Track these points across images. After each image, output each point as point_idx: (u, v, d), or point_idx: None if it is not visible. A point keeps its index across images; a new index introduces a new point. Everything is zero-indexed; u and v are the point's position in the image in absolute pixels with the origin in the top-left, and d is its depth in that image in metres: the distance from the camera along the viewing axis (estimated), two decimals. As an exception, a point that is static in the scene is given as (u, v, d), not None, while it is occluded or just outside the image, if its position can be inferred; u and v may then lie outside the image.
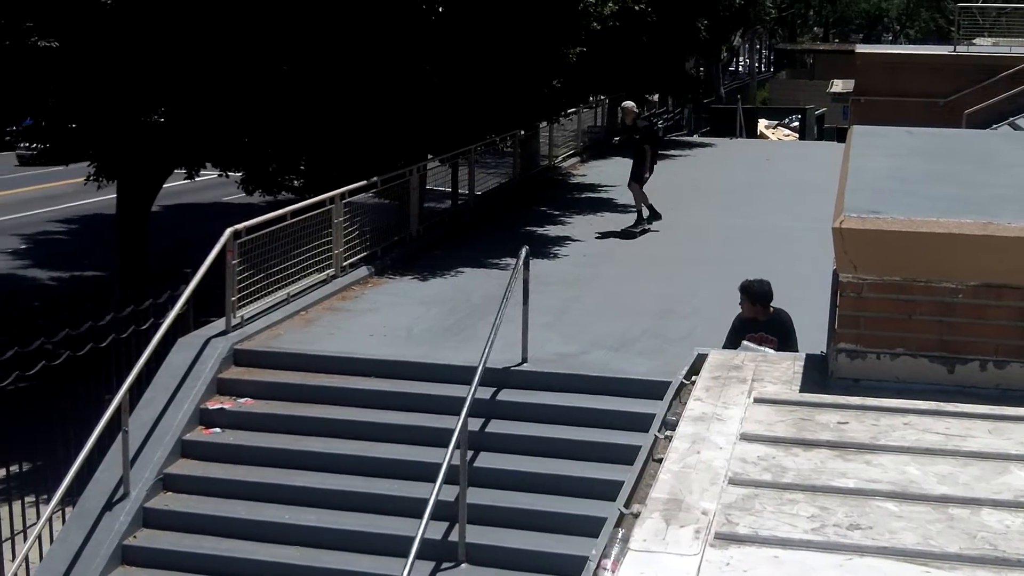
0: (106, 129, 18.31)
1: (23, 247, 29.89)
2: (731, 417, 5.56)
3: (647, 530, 4.60)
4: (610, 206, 20.93)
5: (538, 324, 11.25)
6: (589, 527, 9.17)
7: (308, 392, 10.89)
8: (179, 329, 11.10)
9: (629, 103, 17.76)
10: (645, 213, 17.79)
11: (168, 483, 10.10)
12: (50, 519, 9.19)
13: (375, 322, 12.51)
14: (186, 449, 10.41)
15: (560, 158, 26.22)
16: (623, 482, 9.58)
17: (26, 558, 9.02)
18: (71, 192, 35.65)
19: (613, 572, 7.63)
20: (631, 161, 17.97)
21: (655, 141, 17.86)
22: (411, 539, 8.59)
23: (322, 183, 18.42)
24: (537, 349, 11.01)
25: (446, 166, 19.22)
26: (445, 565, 9.21)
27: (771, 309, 9.71)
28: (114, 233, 21.42)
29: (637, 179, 17.47)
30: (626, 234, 17.41)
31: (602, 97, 30.46)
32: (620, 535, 6.02)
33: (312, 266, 13.27)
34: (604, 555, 7.43)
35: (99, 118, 18.04)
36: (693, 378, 6.43)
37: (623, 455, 9.67)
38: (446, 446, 9.13)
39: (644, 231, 17.46)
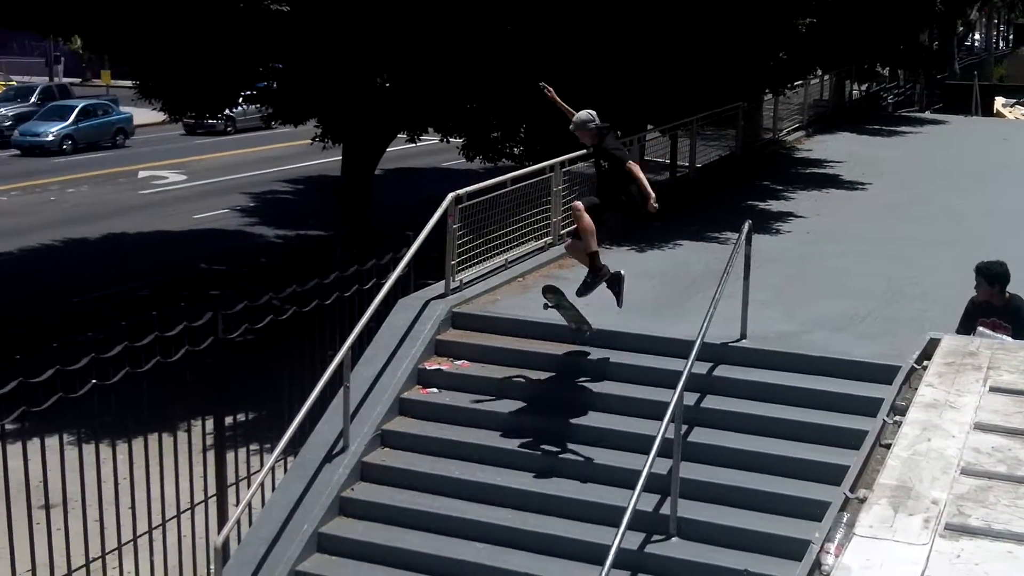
0: (333, 93, 18.81)
1: (251, 205, 31.04)
2: (965, 405, 5.40)
3: (874, 516, 4.51)
4: (836, 182, 20.48)
5: (758, 300, 11.09)
6: (807, 510, 9.05)
7: (523, 358, 11.00)
8: (400, 290, 11.35)
9: (583, 114, 10.44)
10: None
11: (386, 439, 10.37)
12: (272, 468, 9.54)
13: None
14: (404, 407, 10.66)
15: (784, 132, 25.76)
16: (844, 466, 9.43)
17: (249, 504, 9.38)
18: (297, 154, 36.83)
19: (837, 556, 7.49)
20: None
21: (621, 159, 10.44)
22: (622, 509, 8.61)
23: (541, 151, 18.58)
24: (756, 326, 10.86)
25: (666, 137, 19.09)
26: (656, 537, 9.20)
27: (1007, 294, 9.36)
28: (338, 194, 22.05)
29: (596, 215, 10.55)
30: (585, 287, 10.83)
31: (829, 72, 29.79)
32: (845, 519, 5.93)
33: (530, 233, 13.37)
34: (828, 539, 7.30)
35: (327, 82, 18.55)
36: (924, 363, 6.27)
37: (844, 438, 9.51)
38: (660, 419, 9.09)
39: (582, 329, 10.91)
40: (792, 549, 8.83)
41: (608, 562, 8.10)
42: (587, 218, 10.36)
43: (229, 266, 23.31)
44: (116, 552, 8.78)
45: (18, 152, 40.04)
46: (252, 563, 9.36)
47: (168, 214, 29.40)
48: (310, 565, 9.47)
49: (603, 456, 9.89)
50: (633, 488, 8.64)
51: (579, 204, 10.51)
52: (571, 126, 10.46)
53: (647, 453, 8.79)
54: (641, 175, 10.37)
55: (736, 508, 9.35)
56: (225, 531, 8.98)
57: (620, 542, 8.29)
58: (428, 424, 10.53)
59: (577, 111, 10.54)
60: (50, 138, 40.20)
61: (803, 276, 13.60)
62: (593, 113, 10.51)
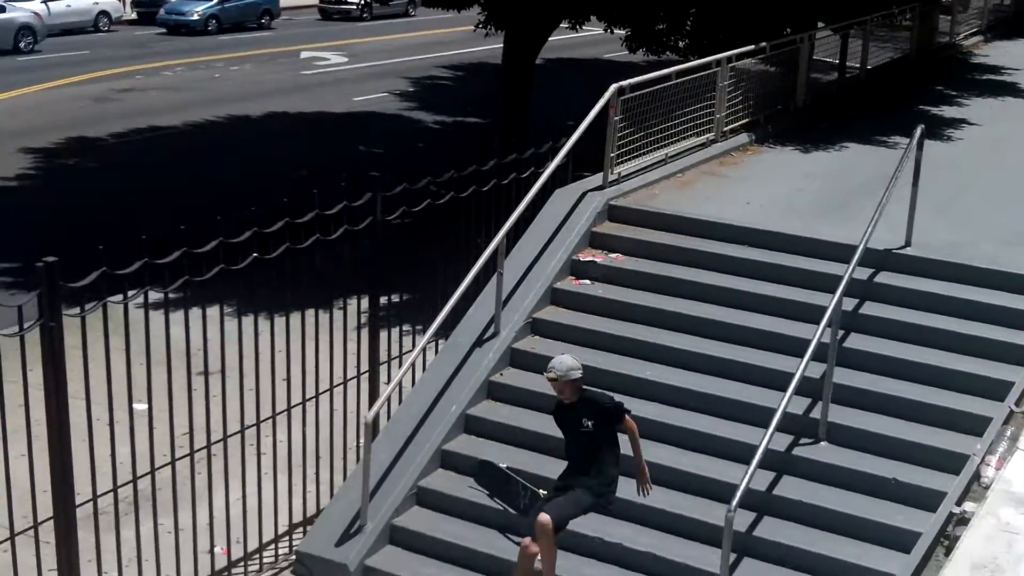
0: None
1: (410, 90, 31.17)
2: None
3: (1042, 429, 4.37)
4: (1013, 90, 19.76)
5: (926, 208, 10.80)
6: (962, 423, 8.90)
7: (679, 254, 10.93)
8: (557, 180, 11.34)
9: (564, 361, 8.02)
10: None
11: (536, 327, 10.45)
12: (424, 349, 9.69)
13: (752, 191, 12.37)
14: (555, 297, 10.71)
15: (961, 36, 24.84)
16: (1007, 381, 9.26)
17: (399, 382, 9.56)
18: (458, 40, 36.79)
19: (998, 469, 7.42)
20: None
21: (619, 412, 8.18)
22: (771, 410, 8.57)
23: (707, 46, 18.24)
24: (922, 234, 10.60)
25: (836, 36, 18.57)
26: (804, 440, 9.15)
27: None
28: (498, 82, 21.98)
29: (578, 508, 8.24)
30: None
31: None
32: (1009, 433, 5.90)
33: (691, 129, 13.21)
34: (989, 451, 7.21)
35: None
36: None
37: (1009, 353, 9.31)
38: (816, 323, 8.99)
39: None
40: (944, 461, 8.73)
41: (755, 461, 8.09)
42: (554, 544, 8.00)
43: (387, 149, 23.55)
44: (270, 420, 9.04)
45: (164, 31, 40.72)
46: (400, 439, 9.58)
47: (328, 95, 29.74)
48: (456, 445, 9.65)
49: (756, 356, 9.82)
50: (784, 390, 8.60)
51: (547, 520, 7.88)
52: (549, 374, 7.98)
53: (801, 356, 8.71)
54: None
55: (888, 416, 9.23)
56: (376, 407, 9.17)
57: (768, 443, 8.27)
58: (579, 315, 10.56)
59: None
60: (195, 17, 40.82)
61: (974, 185, 13.20)
62: (573, 363, 8.01)
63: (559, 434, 9.46)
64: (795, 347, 9.31)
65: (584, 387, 8.02)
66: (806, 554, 8.46)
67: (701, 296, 10.49)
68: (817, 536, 8.59)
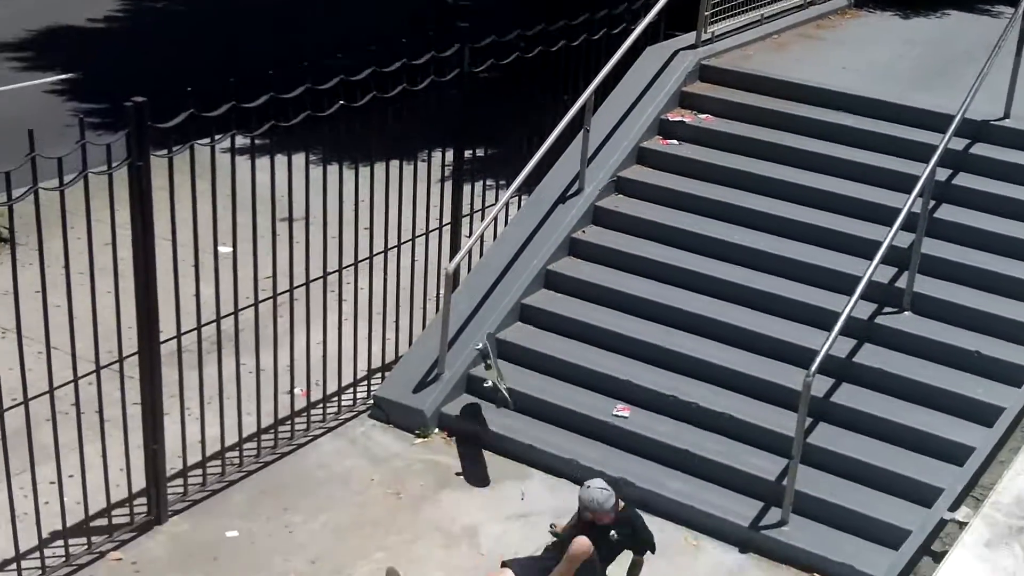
0: None
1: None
2: None
3: None
4: None
5: (1029, 79, 10.47)
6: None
7: (771, 117, 10.74)
8: (649, 38, 11.15)
9: (595, 497, 7.23)
10: None
11: (620, 186, 10.37)
12: (507, 204, 9.67)
13: (849, 56, 12.07)
14: (641, 156, 10.60)
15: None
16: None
17: (481, 236, 9.57)
18: None
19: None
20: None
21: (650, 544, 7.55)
22: (856, 278, 8.50)
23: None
24: (1023, 106, 10.28)
25: None
26: (887, 310, 9.06)
27: None
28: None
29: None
30: None
31: None
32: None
33: (790, -11, 12.87)
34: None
35: None
36: None
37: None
38: (908, 192, 8.84)
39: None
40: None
41: (836, 328, 8.05)
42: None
43: (475, 2, 23.19)
44: (351, 268, 9.12)
45: None
46: (480, 292, 9.64)
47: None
48: (536, 299, 9.69)
49: (843, 223, 9.69)
50: (871, 258, 8.50)
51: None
52: (587, 511, 7.23)
53: (890, 225, 8.59)
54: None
55: (975, 289, 9.10)
56: (457, 259, 9.22)
57: (851, 310, 8.21)
58: (665, 175, 10.46)
59: None
60: None
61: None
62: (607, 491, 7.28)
63: (639, 292, 9.50)
64: (884, 215, 9.17)
65: (622, 503, 7.33)
66: (883, 422, 8.44)
67: (791, 160, 10.32)
68: (895, 405, 8.56)
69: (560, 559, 7.15)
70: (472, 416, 9.00)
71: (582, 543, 7.03)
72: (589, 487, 7.21)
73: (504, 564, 7.29)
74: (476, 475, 8.67)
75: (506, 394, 8.67)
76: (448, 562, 7.78)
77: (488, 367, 8.76)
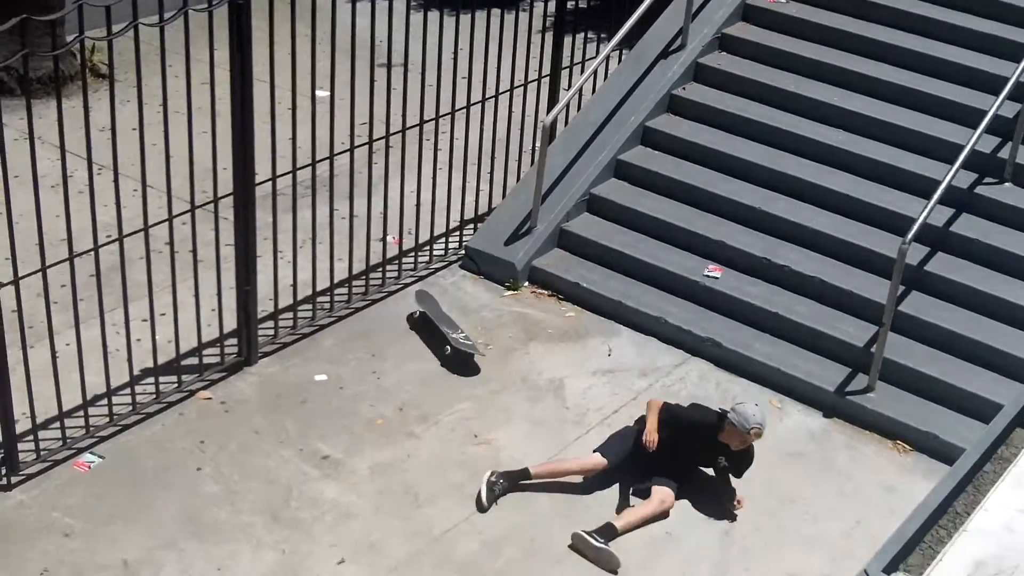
0: None
1: None
2: None
3: None
4: None
5: None
6: None
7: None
8: None
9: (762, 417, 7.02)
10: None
11: (724, 43, 10.13)
12: (607, 57, 9.50)
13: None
14: (747, 13, 10.31)
15: None
16: None
17: (579, 89, 9.44)
18: None
19: None
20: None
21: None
22: (959, 146, 8.28)
23: None
24: None
25: None
26: (988, 180, 8.81)
27: None
28: None
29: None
30: None
31: None
32: None
33: None
34: None
35: None
36: None
37: None
38: (1017, 61, 8.53)
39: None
40: None
41: (935, 196, 7.90)
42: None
43: None
44: (448, 117, 9.06)
45: None
46: (576, 146, 9.55)
47: None
48: (632, 156, 9.57)
49: (948, 90, 9.38)
50: (975, 128, 8.26)
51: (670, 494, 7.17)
52: (756, 429, 6.99)
53: (996, 94, 8.32)
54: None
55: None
56: (554, 112, 9.11)
57: (952, 179, 8.02)
58: (771, 33, 10.18)
59: None
60: None
61: None
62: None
63: (738, 152, 9.34)
64: (991, 83, 8.88)
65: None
66: (976, 292, 8.28)
67: (898, 23, 9.96)
68: (991, 277, 8.38)
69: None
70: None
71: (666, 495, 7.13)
72: (756, 411, 7.03)
73: (596, 451, 7.27)
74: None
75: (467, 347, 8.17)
76: (532, 414, 7.85)
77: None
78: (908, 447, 7.81)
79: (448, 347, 8.14)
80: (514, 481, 7.13)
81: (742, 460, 7.21)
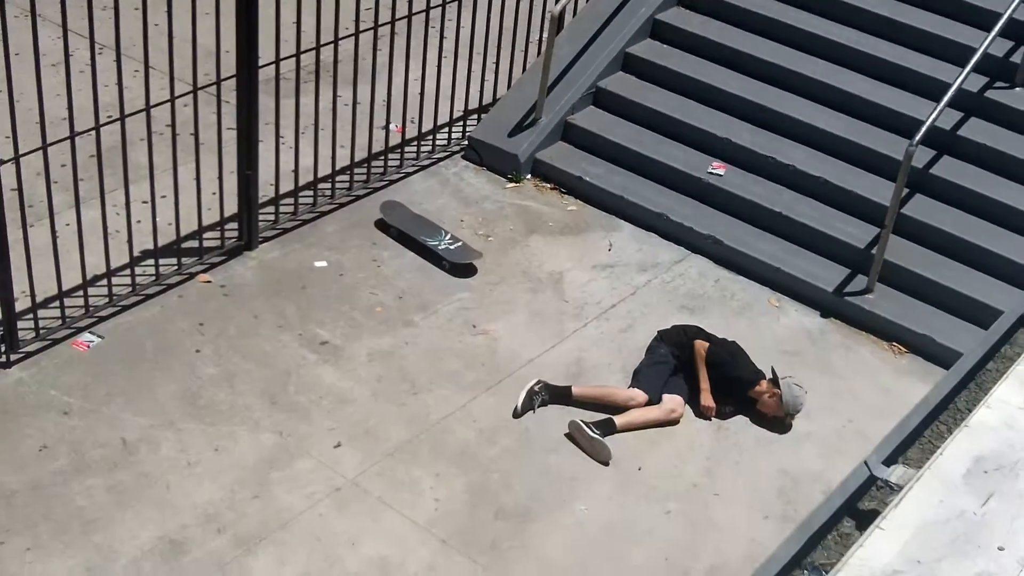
0: None
1: None
2: None
3: None
4: None
5: None
6: None
7: None
8: None
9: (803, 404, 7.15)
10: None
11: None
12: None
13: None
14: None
15: None
16: None
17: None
18: None
19: None
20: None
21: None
22: (971, 49, 8.20)
23: None
24: None
25: None
26: (999, 84, 8.73)
27: None
28: None
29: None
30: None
31: None
32: None
33: None
34: None
35: None
36: None
37: None
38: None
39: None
40: None
41: (945, 99, 7.86)
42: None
43: None
44: (455, 3, 8.95)
45: None
46: (583, 37, 9.46)
47: None
48: (639, 49, 9.48)
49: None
50: (989, 30, 8.18)
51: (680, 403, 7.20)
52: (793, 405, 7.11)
53: (1013, -5, 8.22)
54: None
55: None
56: (563, 1, 8.97)
57: (962, 82, 7.96)
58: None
59: None
60: None
61: None
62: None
63: (748, 49, 9.26)
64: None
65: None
66: (982, 198, 8.26)
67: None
68: (996, 182, 8.36)
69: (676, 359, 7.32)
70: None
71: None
72: (805, 398, 7.12)
73: (634, 386, 7.19)
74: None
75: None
76: (532, 306, 7.88)
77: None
78: (904, 349, 7.85)
79: (445, 263, 8.10)
80: (556, 396, 7.10)
81: (756, 415, 7.24)
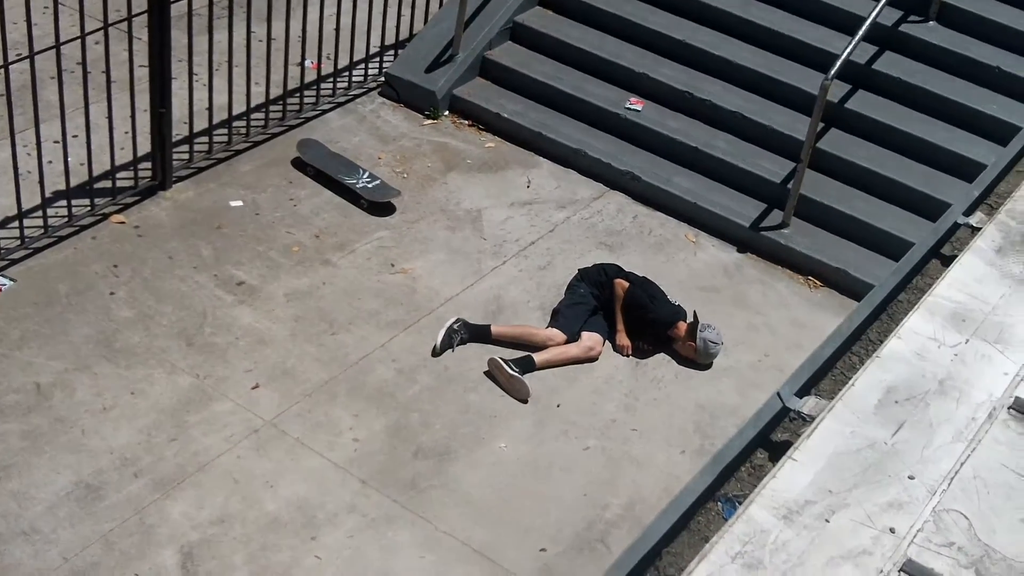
0: None
1: None
2: None
3: None
4: None
5: None
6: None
7: None
8: None
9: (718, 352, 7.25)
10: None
11: None
12: None
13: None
14: None
15: None
16: None
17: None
18: None
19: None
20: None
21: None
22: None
23: None
24: None
25: None
26: (913, 18, 8.81)
27: None
28: None
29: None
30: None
31: None
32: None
33: None
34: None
35: None
36: None
37: None
38: None
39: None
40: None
41: (859, 33, 7.89)
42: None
43: None
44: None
45: None
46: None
47: None
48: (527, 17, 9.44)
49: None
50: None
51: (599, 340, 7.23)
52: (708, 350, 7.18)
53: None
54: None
55: (1003, 2, 8.79)
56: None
57: (876, 16, 8.01)
58: None
59: None
60: None
61: None
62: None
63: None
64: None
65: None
66: (897, 132, 8.35)
67: None
68: (912, 117, 8.44)
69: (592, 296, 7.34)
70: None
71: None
72: (721, 348, 7.19)
73: (552, 326, 7.20)
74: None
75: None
76: (451, 244, 7.86)
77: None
78: (819, 283, 7.94)
79: (363, 201, 8.03)
80: (475, 334, 7.09)
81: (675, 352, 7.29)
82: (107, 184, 7.61)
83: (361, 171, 8.21)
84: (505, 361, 6.84)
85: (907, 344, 3.96)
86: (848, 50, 7.80)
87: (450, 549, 5.91)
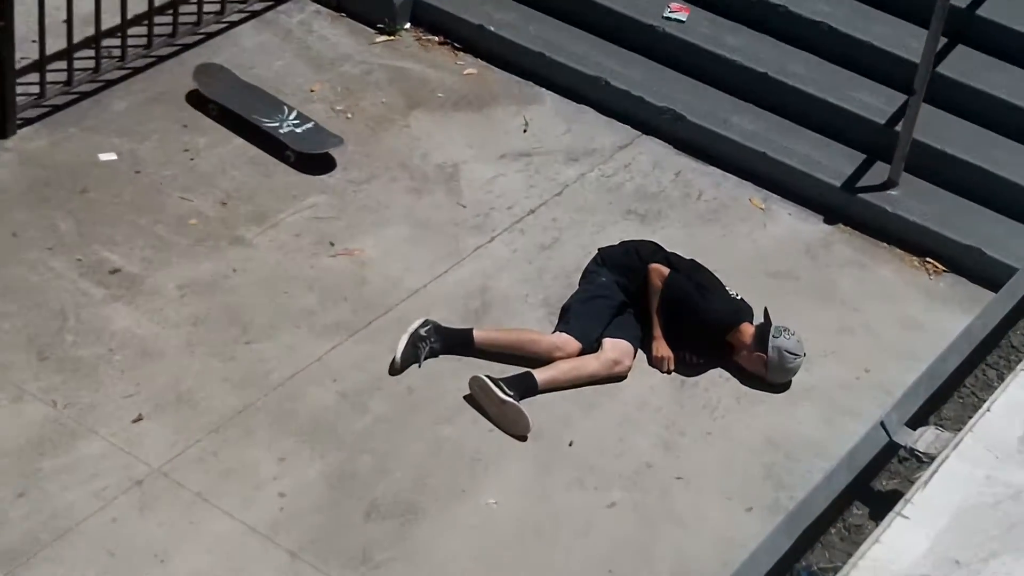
0: None
1: None
2: None
3: None
4: None
5: None
6: None
7: None
8: None
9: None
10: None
11: None
12: None
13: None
14: None
15: None
16: None
17: None
18: None
19: None
20: None
21: None
22: None
23: None
24: None
25: None
26: None
27: None
28: None
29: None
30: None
31: None
32: None
33: None
34: None
35: None
36: None
37: None
38: None
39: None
40: None
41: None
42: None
43: None
44: None
45: None
46: None
47: None
48: None
49: None
50: None
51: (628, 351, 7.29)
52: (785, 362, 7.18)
53: None
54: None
55: None
56: None
57: None
58: None
59: None
60: None
61: None
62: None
63: None
64: None
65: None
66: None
67: None
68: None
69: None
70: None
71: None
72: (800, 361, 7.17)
73: (561, 331, 7.22)
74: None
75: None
76: (416, 214, 7.90)
77: None
78: (940, 267, 7.98)
79: (289, 153, 8.07)
80: (451, 342, 7.09)
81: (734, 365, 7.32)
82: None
83: (286, 110, 8.25)
84: (494, 381, 6.87)
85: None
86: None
87: (417, 649, 5.96)
